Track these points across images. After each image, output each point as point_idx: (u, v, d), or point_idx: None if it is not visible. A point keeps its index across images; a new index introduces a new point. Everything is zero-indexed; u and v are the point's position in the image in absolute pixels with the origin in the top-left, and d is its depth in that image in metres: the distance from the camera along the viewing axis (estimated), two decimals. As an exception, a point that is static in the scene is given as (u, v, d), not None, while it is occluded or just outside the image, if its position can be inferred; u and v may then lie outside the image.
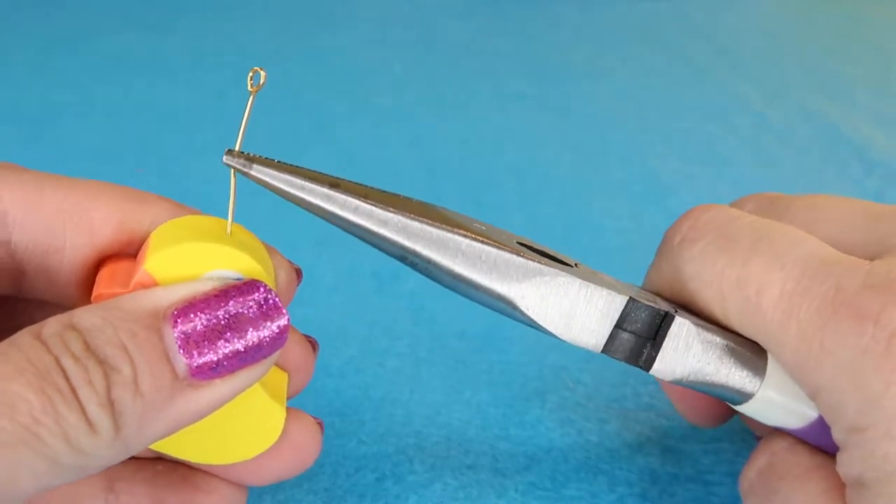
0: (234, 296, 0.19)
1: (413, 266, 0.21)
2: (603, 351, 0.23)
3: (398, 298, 0.37)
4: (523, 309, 0.22)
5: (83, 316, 0.18)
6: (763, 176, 0.50)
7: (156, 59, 0.59)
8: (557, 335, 0.22)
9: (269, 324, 0.19)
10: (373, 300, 0.37)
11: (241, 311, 0.19)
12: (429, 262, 0.21)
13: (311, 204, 0.20)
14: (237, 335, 0.18)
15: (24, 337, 0.17)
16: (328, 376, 0.32)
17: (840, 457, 0.21)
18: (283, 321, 0.19)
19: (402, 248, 0.20)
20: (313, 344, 0.24)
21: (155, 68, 0.58)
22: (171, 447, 0.21)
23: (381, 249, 0.21)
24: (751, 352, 0.23)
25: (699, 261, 0.23)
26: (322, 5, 0.71)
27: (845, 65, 0.66)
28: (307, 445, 0.23)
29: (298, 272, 0.23)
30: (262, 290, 0.19)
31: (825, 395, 0.21)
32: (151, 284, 0.19)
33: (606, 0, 0.74)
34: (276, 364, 0.23)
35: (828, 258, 0.21)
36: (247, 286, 0.19)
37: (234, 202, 0.20)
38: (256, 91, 0.19)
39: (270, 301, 0.19)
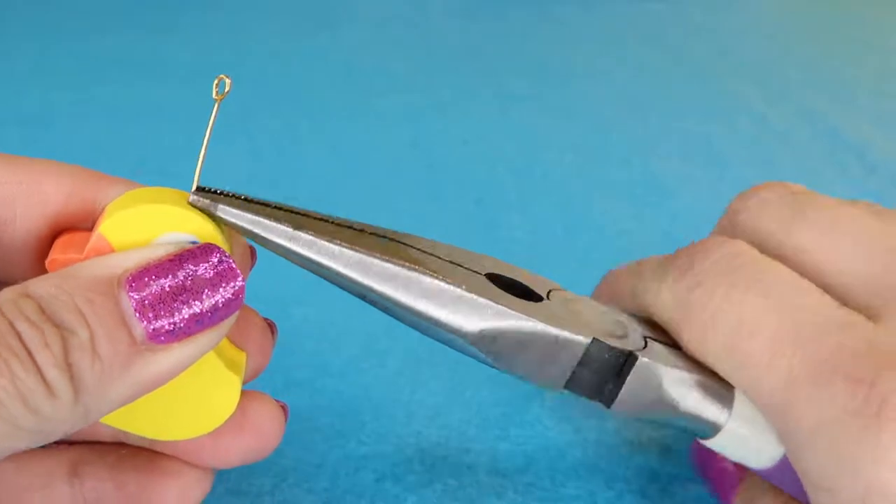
0: (189, 259, 0.19)
1: (373, 304, 0.21)
2: (564, 388, 0.23)
3: (398, 298, 0.37)
4: (484, 354, 0.22)
5: (38, 284, 0.18)
6: (764, 177, 0.49)
7: (156, 59, 0.60)
8: (519, 377, 0.22)
9: (224, 286, 0.19)
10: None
11: (196, 274, 0.19)
12: (387, 300, 0.21)
13: (274, 245, 0.20)
14: (193, 298, 0.19)
15: None
16: (328, 376, 0.32)
17: None
18: (238, 283, 0.19)
19: (360, 286, 0.20)
20: (272, 327, 0.24)
21: (155, 68, 0.58)
22: (126, 422, 0.21)
23: (341, 287, 0.21)
24: (718, 385, 0.23)
25: (696, 294, 0.23)
26: (322, 5, 0.71)
27: (846, 65, 0.66)
28: (269, 427, 0.23)
29: (253, 251, 0.23)
30: (216, 253, 0.19)
31: (802, 450, 0.21)
32: (107, 249, 0.19)
33: (607, 0, 0.74)
34: (235, 343, 0.23)
35: (828, 313, 0.21)
36: (201, 250, 0.19)
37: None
38: (221, 99, 0.20)
39: (225, 264, 0.19)
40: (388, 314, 0.21)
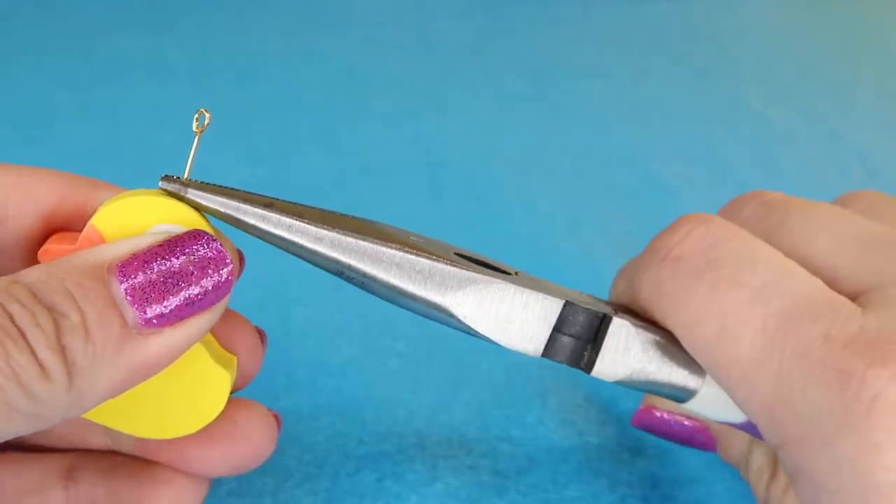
0: (178, 245, 0.19)
1: (350, 280, 0.22)
2: (543, 355, 0.23)
3: (399, 299, 0.36)
4: (460, 317, 0.22)
5: (28, 272, 0.18)
6: (764, 179, 0.49)
7: (156, 59, 0.59)
8: (496, 341, 0.22)
9: (213, 269, 0.19)
10: (374, 300, 0.36)
11: (185, 259, 0.19)
12: (364, 275, 0.21)
13: (246, 224, 0.20)
14: (183, 282, 0.19)
15: None
16: (329, 375, 0.32)
17: None
18: (227, 268, 0.20)
19: (338, 262, 0.21)
20: (262, 335, 0.24)
21: (155, 68, 0.58)
22: (116, 420, 0.22)
23: (317, 265, 0.21)
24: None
25: (680, 282, 0.22)
26: (322, 5, 0.71)
27: (847, 67, 0.66)
28: (259, 436, 0.24)
29: (241, 258, 0.23)
30: (204, 237, 0.20)
31: (794, 445, 0.20)
32: (98, 239, 0.20)
33: (607, 1, 0.74)
34: (226, 347, 0.23)
35: (816, 299, 0.21)
36: (189, 236, 0.19)
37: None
38: (202, 132, 0.20)
39: (213, 247, 0.19)
40: (365, 290, 0.22)
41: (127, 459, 0.24)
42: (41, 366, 0.17)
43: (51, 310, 0.17)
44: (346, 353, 0.33)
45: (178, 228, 0.20)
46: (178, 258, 0.19)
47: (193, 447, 0.23)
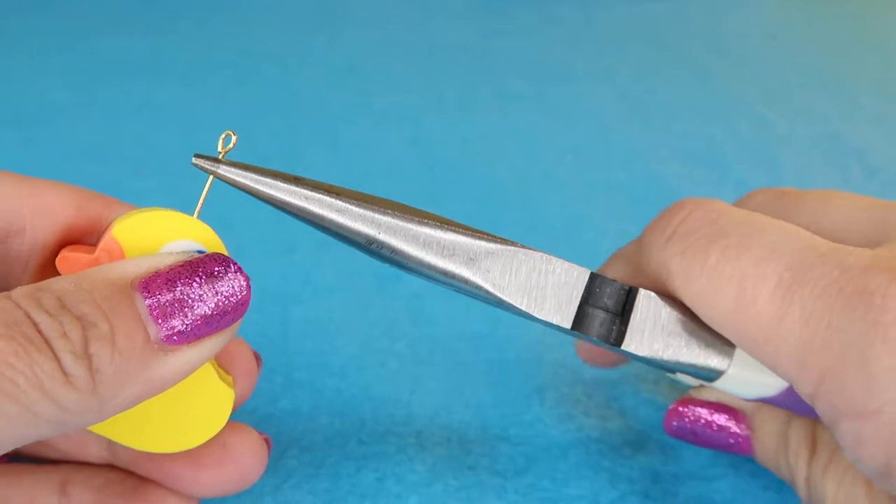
0: (199, 266, 0.20)
1: (378, 254, 0.22)
2: (573, 328, 0.23)
3: (399, 299, 0.37)
4: (488, 287, 0.22)
5: (55, 282, 0.18)
6: (765, 179, 0.49)
7: (156, 59, 0.59)
8: (525, 310, 0.22)
9: (232, 291, 0.20)
10: (374, 300, 0.37)
11: (206, 280, 0.20)
12: (392, 249, 0.22)
13: (278, 199, 0.21)
14: (204, 302, 0.19)
15: None
16: (329, 376, 0.32)
17: (858, 451, 0.20)
18: (244, 289, 0.20)
19: (366, 236, 0.21)
20: (258, 358, 0.25)
21: (155, 68, 0.58)
22: (120, 433, 0.22)
23: (344, 239, 0.22)
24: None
25: (689, 256, 0.22)
26: (322, 5, 0.71)
27: (847, 67, 0.66)
28: (249, 460, 0.24)
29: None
30: (224, 260, 0.20)
31: (830, 381, 0.20)
32: (117, 250, 0.20)
33: (607, 1, 0.74)
34: (223, 367, 0.24)
35: (824, 248, 0.21)
36: (210, 258, 0.20)
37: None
38: (225, 153, 0.21)
39: (233, 270, 0.20)
40: (393, 264, 0.22)
41: (120, 476, 0.25)
42: (65, 372, 0.17)
43: (80, 318, 0.18)
44: (346, 354, 0.33)
45: (196, 246, 0.21)
46: (199, 279, 0.19)
47: (186, 468, 0.24)
